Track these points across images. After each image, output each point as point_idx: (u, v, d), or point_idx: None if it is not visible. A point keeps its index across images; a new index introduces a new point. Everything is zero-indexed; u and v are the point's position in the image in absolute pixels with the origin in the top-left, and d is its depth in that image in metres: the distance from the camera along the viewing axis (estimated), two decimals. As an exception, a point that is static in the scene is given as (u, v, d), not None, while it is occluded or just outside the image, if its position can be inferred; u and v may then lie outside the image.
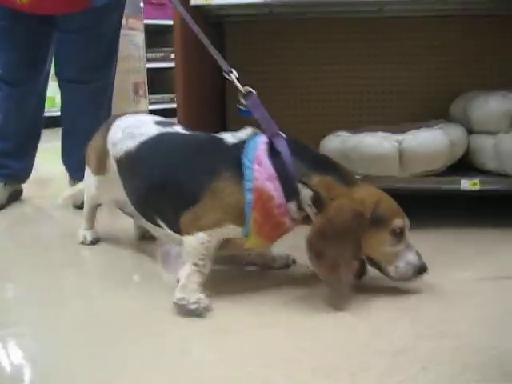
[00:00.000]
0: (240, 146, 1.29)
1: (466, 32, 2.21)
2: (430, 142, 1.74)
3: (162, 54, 6.04)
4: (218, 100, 2.32)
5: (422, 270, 1.25)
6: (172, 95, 6.32)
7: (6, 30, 2.07)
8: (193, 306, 1.19)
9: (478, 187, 1.75)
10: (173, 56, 6.27)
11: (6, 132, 2.19)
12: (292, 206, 1.25)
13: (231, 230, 1.25)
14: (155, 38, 5.29)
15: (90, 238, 1.74)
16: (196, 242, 1.24)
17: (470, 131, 1.86)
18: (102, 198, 1.73)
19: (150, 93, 4.68)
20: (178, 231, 1.31)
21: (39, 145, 2.34)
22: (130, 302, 1.30)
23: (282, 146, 1.27)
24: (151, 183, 1.37)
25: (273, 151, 1.27)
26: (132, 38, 4.18)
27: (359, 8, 2.01)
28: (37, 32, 2.10)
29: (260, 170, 1.23)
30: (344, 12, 2.10)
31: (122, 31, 3.97)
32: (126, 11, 4.02)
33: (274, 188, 1.23)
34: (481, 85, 2.18)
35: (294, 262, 1.51)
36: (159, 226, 1.41)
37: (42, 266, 1.57)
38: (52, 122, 3.21)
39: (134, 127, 1.48)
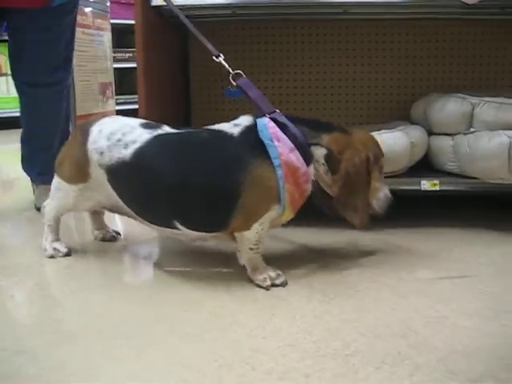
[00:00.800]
0: (249, 131, 1.36)
1: (434, 36, 2.25)
2: (392, 143, 1.76)
3: (130, 55, 6.00)
4: (181, 99, 2.30)
5: (392, 202, 1.45)
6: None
7: None
8: (278, 281, 1.36)
9: (437, 187, 1.78)
10: (141, 56, 6.21)
11: None
12: (311, 169, 1.38)
13: (276, 210, 1.34)
14: (122, 38, 5.24)
15: (64, 250, 1.62)
16: (252, 234, 1.34)
17: (430, 133, 1.89)
18: (80, 207, 1.62)
19: (117, 93, 4.62)
20: (211, 229, 1.38)
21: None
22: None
23: (285, 120, 1.37)
24: (169, 188, 1.35)
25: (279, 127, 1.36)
26: (99, 38, 4.12)
27: (322, 10, 2.01)
28: None
29: (281, 146, 1.32)
30: (306, 14, 2.11)
31: (89, 31, 3.95)
32: (93, 11, 4.01)
33: (296, 158, 1.32)
34: (441, 87, 2.22)
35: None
36: (175, 228, 1.39)
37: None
38: (14, 123, 3.15)
39: (120, 134, 1.44)
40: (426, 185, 1.77)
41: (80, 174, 1.51)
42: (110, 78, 4.37)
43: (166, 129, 1.44)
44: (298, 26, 2.27)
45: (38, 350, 1.07)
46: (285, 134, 1.34)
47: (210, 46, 1.59)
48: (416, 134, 1.83)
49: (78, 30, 3.74)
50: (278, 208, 1.33)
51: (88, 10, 3.94)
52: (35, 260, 1.60)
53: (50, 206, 1.64)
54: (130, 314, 1.23)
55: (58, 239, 1.65)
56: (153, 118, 1.81)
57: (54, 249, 1.62)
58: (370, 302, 1.27)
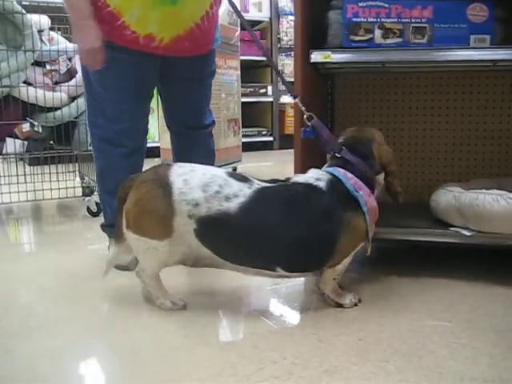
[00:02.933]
0: (333, 184, 1.56)
1: None
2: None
3: (251, 89, 6.24)
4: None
5: None
6: (261, 129, 6.50)
7: (129, 80, 1.91)
8: (356, 300, 1.64)
9: None
10: (262, 91, 6.44)
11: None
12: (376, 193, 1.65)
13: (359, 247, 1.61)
14: (245, 73, 5.45)
15: (181, 303, 1.64)
16: (341, 267, 1.60)
17: None
18: (169, 263, 1.61)
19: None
20: (308, 271, 1.62)
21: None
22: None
23: (353, 158, 1.61)
24: (273, 239, 1.51)
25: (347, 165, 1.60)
26: (229, 78, 4.34)
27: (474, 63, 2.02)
28: (154, 79, 2.01)
29: (363, 193, 1.55)
30: (456, 66, 2.13)
31: (221, 71, 4.17)
32: (225, 51, 4.23)
33: (373, 200, 1.59)
34: None
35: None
36: (274, 271, 1.56)
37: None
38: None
39: (216, 186, 1.50)
40: None
41: (167, 227, 1.52)
42: (238, 114, 4.57)
43: (257, 181, 1.56)
44: (444, 77, 2.29)
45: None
46: (355, 172, 1.58)
47: (290, 88, 1.83)
48: None
49: (212, 69, 3.98)
50: (364, 243, 1.60)
51: (222, 51, 4.17)
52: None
53: (146, 269, 1.62)
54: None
55: (166, 294, 1.65)
56: (306, 159, 1.92)
57: (172, 303, 1.63)
58: None
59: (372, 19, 1.84)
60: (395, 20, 1.83)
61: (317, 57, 1.86)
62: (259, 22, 6.46)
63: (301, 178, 1.60)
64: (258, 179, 1.58)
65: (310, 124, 1.71)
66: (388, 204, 1.70)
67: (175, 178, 1.53)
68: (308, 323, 1.54)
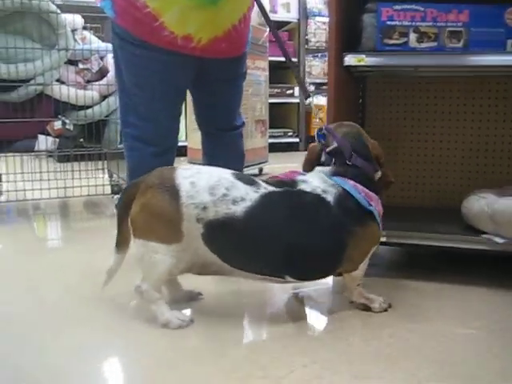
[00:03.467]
0: (343, 197, 1.52)
1: None
2: None
3: (278, 90, 6.24)
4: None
5: None
6: (287, 130, 6.50)
7: (164, 81, 1.91)
8: (386, 304, 1.64)
9: None
10: (289, 92, 6.44)
11: None
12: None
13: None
14: (273, 74, 5.45)
15: (187, 318, 1.54)
16: (359, 273, 1.60)
17: None
18: (175, 271, 1.53)
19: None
20: (317, 279, 1.64)
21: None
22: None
23: (360, 162, 1.58)
24: (281, 245, 1.48)
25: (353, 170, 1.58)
26: (258, 78, 4.35)
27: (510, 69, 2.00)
28: (188, 80, 2.01)
29: (375, 204, 1.55)
30: (491, 71, 2.10)
31: (250, 71, 4.18)
32: (253, 52, 4.24)
33: (381, 206, 1.60)
34: None
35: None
36: (282, 278, 1.54)
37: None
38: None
39: (223, 188, 1.46)
40: None
41: (176, 231, 1.46)
42: (265, 115, 4.58)
43: (264, 184, 1.51)
44: (477, 82, 2.26)
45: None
46: (363, 178, 1.56)
47: (304, 89, 1.85)
48: None
49: (241, 70, 3.99)
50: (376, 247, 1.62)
51: (251, 51, 4.17)
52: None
53: (150, 280, 1.51)
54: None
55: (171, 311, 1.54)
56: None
57: (179, 319, 1.52)
58: None
59: (407, 23, 1.83)
60: (430, 24, 1.82)
61: (350, 60, 1.86)
62: (287, 23, 6.46)
63: (308, 186, 1.53)
64: (265, 181, 1.55)
65: (324, 128, 1.66)
66: (419, 209, 1.68)
67: (182, 180, 1.48)
68: (336, 326, 1.53)
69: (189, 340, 1.46)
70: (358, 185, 1.55)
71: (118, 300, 1.72)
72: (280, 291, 1.83)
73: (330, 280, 1.90)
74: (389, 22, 1.83)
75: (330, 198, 1.52)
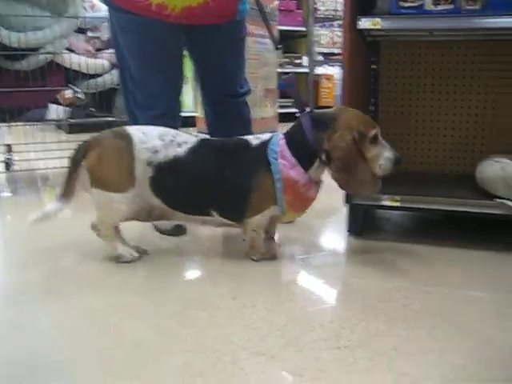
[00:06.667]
0: (263, 145, 1.67)
1: None
2: None
3: (287, 60, 6.18)
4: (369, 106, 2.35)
5: (397, 161, 1.64)
6: (295, 100, 6.44)
7: (148, 45, 1.98)
8: (267, 255, 1.75)
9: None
10: (297, 61, 6.37)
11: None
12: (312, 171, 1.66)
13: (274, 210, 1.69)
14: (281, 43, 5.38)
15: (140, 250, 1.80)
16: (255, 221, 1.70)
17: None
18: (128, 214, 1.72)
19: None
20: (237, 217, 1.72)
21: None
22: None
23: (305, 120, 1.65)
24: (210, 182, 1.67)
25: (295, 133, 1.67)
26: (267, 47, 4.31)
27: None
28: (175, 45, 2.05)
29: (284, 163, 1.63)
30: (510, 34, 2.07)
31: (260, 40, 4.14)
32: (261, 20, 4.19)
33: (297, 174, 1.63)
34: None
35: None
36: (209, 215, 1.72)
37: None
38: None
39: (171, 135, 1.70)
40: None
41: (129, 177, 1.66)
42: (275, 84, 4.54)
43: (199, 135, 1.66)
44: (495, 46, 2.24)
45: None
46: (298, 141, 1.65)
47: (274, 40, 2.01)
48: None
49: (250, 38, 3.95)
50: (274, 209, 1.68)
51: (259, 19, 4.13)
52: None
53: (105, 221, 1.72)
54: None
55: (124, 243, 1.79)
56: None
57: (129, 253, 1.76)
58: None
59: (423, -16, 1.80)
60: (447, -15, 1.79)
61: (365, 23, 1.83)
62: (296, -9, 6.36)
63: (249, 136, 1.75)
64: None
65: (283, 78, 1.85)
66: (432, 175, 1.66)
67: (133, 131, 1.70)
68: (353, 289, 1.55)
69: (207, 300, 1.48)
70: (282, 141, 1.66)
71: (135, 264, 1.75)
72: (288, 259, 1.84)
73: (340, 249, 1.92)
74: (404, -16, 1.81)
75: (255, 142, 1.70)
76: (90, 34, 3.14)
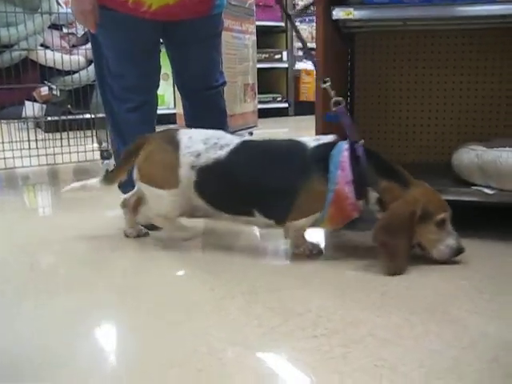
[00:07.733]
0: (324, 149, 1.62)
1: None
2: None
3: (266, 55, 6.18)
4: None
5: (458, 251, 1.59)
6: (276, 95, 6.46)
7: (125, 41, 2.00)
8: (315, 251, 1.73)
9: None
10: (277, 57, 6.38)
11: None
12: (361, 203, 1.61)
13: (317, 216, 1.63)
14: (260, 39, 5.39)
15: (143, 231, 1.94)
16: (301, 224, 1.66)
17: None
18: (173, 214, 1.80)
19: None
20: (279, 218, 1.67)
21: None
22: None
23: (362, 153, 1.58)
24: (253, 184, 1.66)
25: (353, 156, 1.58)
26: (245, 42, 4.30)
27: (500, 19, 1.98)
28: (151, 40, 2.07)
29: (342, 175, 1.57)
30: (481, 23, 2.09)
31: (237, 35, 4.13)
32: (241, 15, 4.18)
33: (349, 191, 1.57)
34: None
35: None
36: (252, 215, 1.69)
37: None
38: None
39: (215, 138, 1.72)
40: None
41: (173, 178, 1.71)
42: (254, 79, 4.54)
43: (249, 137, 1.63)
44: (469, 36, 2.25)
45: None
46: (352, 165, 1.57)
47: (319, 70, 1.81)
48: None
49: (227, 34, 3.94)
50: (318, 216, 1.62)
51: (237, 14, 4.13)
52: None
53: (155, 211, 1.80)
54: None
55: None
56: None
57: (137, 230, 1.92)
58: None
59: (395, -26, 1.80)
60: (419, -26, 1.80)
61: (338, 13, 1.84)
62: (274, -14, 6.35)
63: (307, 138, 1.69)
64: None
65: (333, 110, 1.68)
66: (410, 164, 1.66)
67: (182, 136, 1.75)
68: (330, 280, 1.55)
69: (185, 294, 1.47)
70: (347, 154, 1.58)
71: (115, 262, 1.73)
72: (273, 247, 1.84)
73: (318, 239, 1.92)
74: (377, -26, 1.81)
75: (312, 144, 1.64)
76: (64, 30, 3.10)
